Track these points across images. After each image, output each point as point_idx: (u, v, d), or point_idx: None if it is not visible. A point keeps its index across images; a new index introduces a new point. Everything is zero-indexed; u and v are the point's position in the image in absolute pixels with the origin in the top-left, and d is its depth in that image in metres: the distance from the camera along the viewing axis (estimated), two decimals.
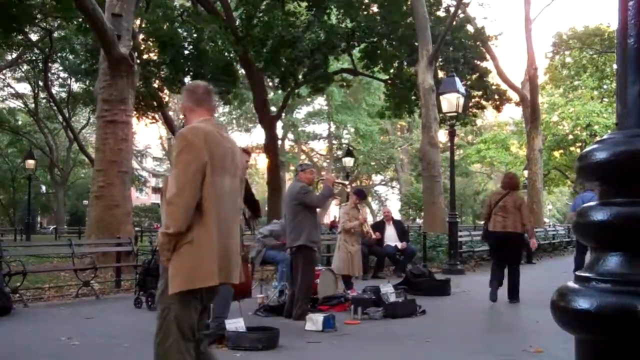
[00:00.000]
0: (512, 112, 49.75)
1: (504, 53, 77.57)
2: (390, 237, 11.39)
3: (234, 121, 44.27)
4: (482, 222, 9.89)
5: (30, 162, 26.05)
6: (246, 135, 47.07)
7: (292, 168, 39.33)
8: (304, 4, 19.24)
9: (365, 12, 20.29)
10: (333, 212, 32.11)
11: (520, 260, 8.45)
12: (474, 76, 21.61)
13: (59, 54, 24.78)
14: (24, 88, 33.47)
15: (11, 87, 33.74)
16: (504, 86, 23.90)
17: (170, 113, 21.69)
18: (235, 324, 4.99)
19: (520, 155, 33.62)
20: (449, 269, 11.47)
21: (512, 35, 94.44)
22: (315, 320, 5.71)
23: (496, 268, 7.81)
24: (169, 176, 2.83)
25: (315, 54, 18.53)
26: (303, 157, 46.40)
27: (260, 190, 38.77)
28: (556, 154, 32.78)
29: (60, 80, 30.51)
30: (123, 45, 11.57)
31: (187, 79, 18.31)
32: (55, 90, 29.27)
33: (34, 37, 24.99)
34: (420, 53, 16.55)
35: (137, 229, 18.55)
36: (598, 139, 1.52)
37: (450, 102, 12.16)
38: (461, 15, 21.00)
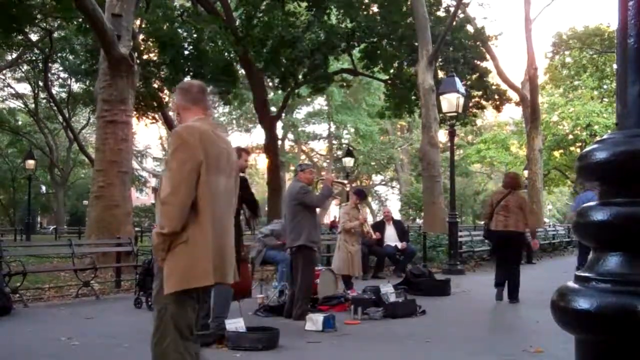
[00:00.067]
0: (512, 112, 49.69)
1: (504, 53, 77.59)
2: (390, 237, 11.40)
3: (234, 121, 44.25)
4: (483, 222, 9.90)
5: (30, 162, 26.06)
6: (246, 135, 47.06)
7: (292, 168, 39.29)
8: (304, 4, 19.23)
9: (365, 12, 20.27)
10: (333, 212, 32.08)
11: (520, 260, 8.47)
12: (474, 76, 21.60)
13: (59, 54, 24.80)
14: (24, 88, 33.57)
15: (11, 87, 33.80)
16: (504, 86, 23.89)
17: (170, 113, 21.71)
18: (235, 324, 4.99)
19: (520, 155, 33.59)
20: (449, 269, 11.47)
21: (512, 35, 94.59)
22: (315, 321, 5.71)
23: (500, 268, 7.87)
24: (163, 176, 2.80)
25: (315, 54, 18.53)
26: (303, 157, 46.39)
27: (260, 190, 38.74)
28: (556, 154, 32.75)
29: (60, 80, 30.54)
30: (123, 45, 11.57)
31: (187, 79, 18.30)
32: (55, 90, 29.29)
33: (34, 37, 24.98)
34: (420, 53, 16.55)
35: (137, 229, 18.54)
36: (598, 139, 1.52)
37: (450, 102, 12.16)
38: (461, 16, 20.99)
